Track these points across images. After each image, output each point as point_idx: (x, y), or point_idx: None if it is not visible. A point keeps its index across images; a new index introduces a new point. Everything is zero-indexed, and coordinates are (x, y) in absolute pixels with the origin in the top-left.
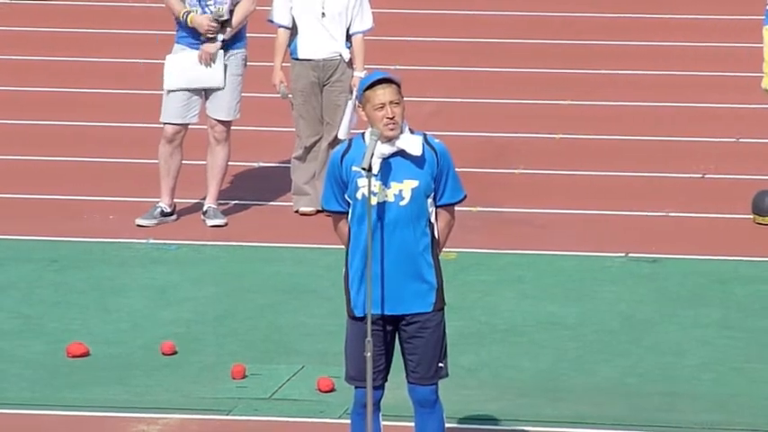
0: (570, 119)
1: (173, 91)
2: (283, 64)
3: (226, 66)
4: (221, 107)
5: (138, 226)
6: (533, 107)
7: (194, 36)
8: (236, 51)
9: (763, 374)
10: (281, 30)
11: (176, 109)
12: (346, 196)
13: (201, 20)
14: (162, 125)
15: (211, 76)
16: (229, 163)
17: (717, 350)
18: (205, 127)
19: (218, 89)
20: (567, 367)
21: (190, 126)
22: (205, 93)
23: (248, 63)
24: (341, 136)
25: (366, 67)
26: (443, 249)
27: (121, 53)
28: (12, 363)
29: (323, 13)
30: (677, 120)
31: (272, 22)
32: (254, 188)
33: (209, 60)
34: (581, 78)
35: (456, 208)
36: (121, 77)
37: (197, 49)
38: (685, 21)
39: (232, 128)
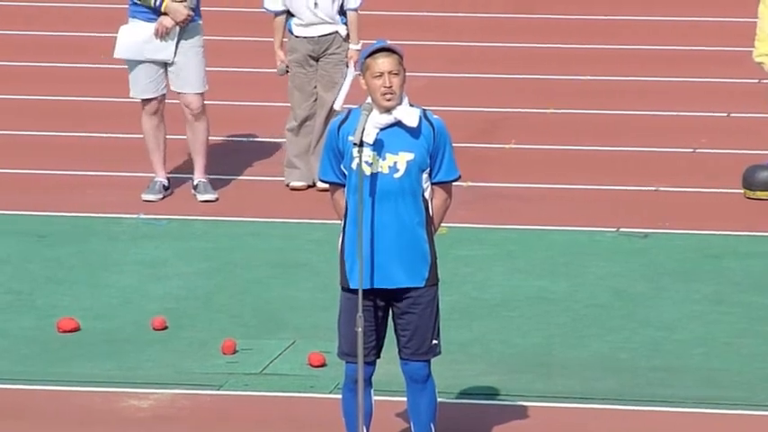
0: (561, 94)
1: (130, 61)
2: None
3: (178, 41)
4: (189, 81)
5: (146, 201)
6: (525, 82)
7: (151, 11)
8: (194, 24)
9: (754, 349)
10: (277, 15)
11: (147, 84)
12: (342, 167)
13: (178, 7)
14: (139, 101)
15: (163, 48)
16: (219, 138)
17: (708, 325)
18: (178, 102)
19: (168, 63)
20: (558, 342)
21: (167, 102)
22: (166, 69)
23: (242, 38)
24: (336, 107)
25: (363, 41)
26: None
27: (102, 27)
28: (2, 338)
29: (315, 3)
30: (668, 94)
31: (266, 10)
32: (245, 163)
33: (164, 34)
34: (572, 53)
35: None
36: (103, 51)
37: (152, 21)
38: None
39: (216, 103)
